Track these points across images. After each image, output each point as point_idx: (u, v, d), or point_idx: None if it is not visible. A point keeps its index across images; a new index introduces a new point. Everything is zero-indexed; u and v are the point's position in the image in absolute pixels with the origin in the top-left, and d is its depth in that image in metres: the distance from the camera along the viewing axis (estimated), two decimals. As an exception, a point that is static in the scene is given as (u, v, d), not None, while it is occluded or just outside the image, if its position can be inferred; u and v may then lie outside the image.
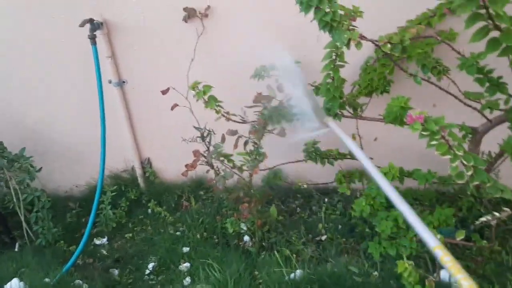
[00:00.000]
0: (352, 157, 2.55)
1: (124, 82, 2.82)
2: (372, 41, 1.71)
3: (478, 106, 1.99)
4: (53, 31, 2.68)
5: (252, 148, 2.15)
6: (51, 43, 2.73)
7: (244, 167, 2.19)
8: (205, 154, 2.37)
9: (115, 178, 3.19)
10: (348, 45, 1.64)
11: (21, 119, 3.07)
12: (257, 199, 2.38)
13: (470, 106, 1.99)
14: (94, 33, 2.49)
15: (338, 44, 1.68)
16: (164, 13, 2.53)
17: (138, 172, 3.16)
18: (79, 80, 2.85)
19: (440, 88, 2.00)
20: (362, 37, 1.63)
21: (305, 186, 2.84)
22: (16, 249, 2.87)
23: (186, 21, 2.48)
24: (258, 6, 2.44)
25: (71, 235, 2.97)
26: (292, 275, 2.34)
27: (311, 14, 1.70)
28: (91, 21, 2.45)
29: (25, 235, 2.87)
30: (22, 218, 2.81)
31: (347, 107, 2.21)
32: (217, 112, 2.21)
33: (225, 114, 2.23)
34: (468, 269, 2.29)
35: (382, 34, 1.83)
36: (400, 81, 2.39)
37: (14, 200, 2.76)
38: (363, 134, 2.57)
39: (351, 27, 1.65)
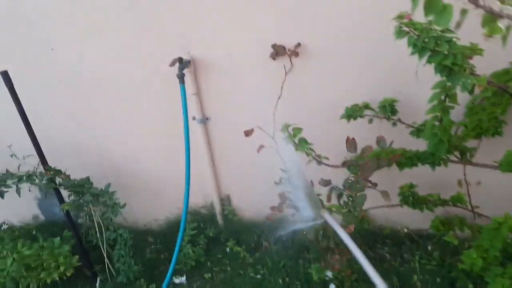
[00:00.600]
0: (454, 204, 2.31)
1: (207, 118, 2.78)
2: (501, 86, 1.50)
3: None
4: (142, 69, 2.71)
5: (347, 200, 1.97)
6: (139, 81, 2.77)
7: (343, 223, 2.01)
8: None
9: (193, 214, 3.15)
10: (472, 91, 1.45)
11: (106, 154, 3.13)
12: (348, 249, 2.19)
13: None
14: (183, 71, 2.47)
15: (460, 89, 1.49)
16: (251, 50, 2.47)
17: (217, 208, 3.09)
18: (163, 116, 2.85)
19: None
20: (490, 82, 1.44)
21: (405, 230, 2.60)
22: (97, 284, 2.88)
23: (274, 59, 2.40)
24: (353, 43, 2.30)
25: (151, 272, 2.94)
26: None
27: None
28: (180, 60, 2.44)
29: (107, 270, 2.87)
30: (105, 254, 2.82)
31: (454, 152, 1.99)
32: (308, 155, 2.08)
33: (316, 157, 2.09)
34: None
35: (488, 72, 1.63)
36: (514, 122, 2.14)
37: (98, 235, 2.79)
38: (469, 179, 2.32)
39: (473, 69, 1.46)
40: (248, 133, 2.26)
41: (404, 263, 2.62)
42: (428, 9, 1.25)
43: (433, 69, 2.11)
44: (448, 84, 1.67)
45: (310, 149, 2.09)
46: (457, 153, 2.08)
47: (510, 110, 2.10)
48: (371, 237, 2.77)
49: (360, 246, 2.61)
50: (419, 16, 1.43)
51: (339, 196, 1.96)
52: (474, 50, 1.52)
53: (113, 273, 2.88)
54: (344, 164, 1.95)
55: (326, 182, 1.96)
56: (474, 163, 1.99)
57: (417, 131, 2.19)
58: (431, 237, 2.67)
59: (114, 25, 2.60)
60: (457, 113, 2.23)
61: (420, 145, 2.21)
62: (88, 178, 2.79)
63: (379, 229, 2.77)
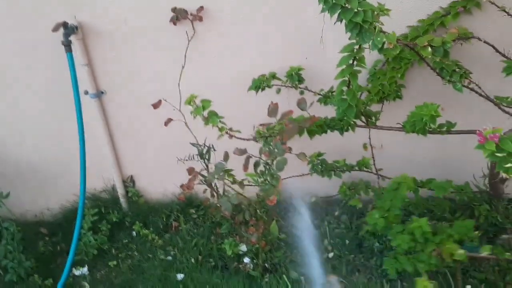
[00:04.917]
0: (360, 168, 2.38)
1: (102, 92, 2.51)
2: (408, 44, 1.52)
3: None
4: (21, 35, 2.34)
5: (264, 169, 1.90)
6: (16, 49, 2.39)
7: (259, 193, 1.93)
8: (203, 173, 2.12)
9: (93, 200, 2.87)
10: (381, 49, 1.45)
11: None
12: (265, 221, 2.15)
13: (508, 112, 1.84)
14: (69, 38, 2.17)
15: (370, 48, 1.48)
16: (148, 14, 2.25)
17: (120, 191, 2.85)
18: (50, 92, 2.51)
19: (481, 95, 1.84)
20: (398, 40, 1.44)
21: (313, 199, 2.64)
22: (-19, 288, 2.51)
23: (175, 24, 2.21)
24: (258, 7, 2.20)
25: (46, 266, 2.64)
26: (306, 302, 2.14)
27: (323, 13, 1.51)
28: (65, 25, 2.14)
29: (-8, 270, 2.51)
30: (-13, 252, 2.45)
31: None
32: (221, 129, 1.96)
33: (229, 132, 1.98)
34: (487, 281, 2.18)
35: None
36: (412, 86, 2.24)
37: (-23, 231, 2.41)
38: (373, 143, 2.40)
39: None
40: (156, 106, 2.07)
41: (315, 229, 2.66)
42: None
43: (337, 35, 2.13)
44: (356, 46, 1.66)
45: (222, 122, 1.98)
46: (362, 118, 2.12)
47: (408, 74, 2.20)
48: (282, 206, 2.77)
49: (272, 215, 2.62)
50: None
51: (256, 164, 1.88)
52: (382, 10, 1.51)
53: (0, 272, 2.52)
54: (259, 135, 1.87)
55: (241, 151, 1.86)
56: (380, 127, 2.04)
57: (325, 98, 2.19)
58: (339, 202, 2.74)
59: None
60: (360, 80, 2.28)
61: (328, 112, 2.22)
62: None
63: (289, 199, 2.78)
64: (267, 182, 1.82)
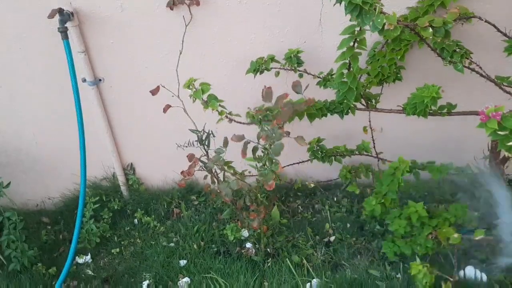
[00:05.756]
0: (360, 152, 2.38)
1: (100, 80, 2.49)
2: (408, 25, 1.50)
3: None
4: (14, 25, 2.31)
5: (262, 154, 1.89)
6: (11, 38, 2.36)
7: (259, 178, 1.93)
8: (203, 159, 2.11)
9: (94, 188, 2.86)
10: (382, 30, 1.43)
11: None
12: (265, 206, 2.15)
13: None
14: (65, 25, 2.14)
15: (370, 29, 1.46)
16: (145, 0, 2.22)
17: (120, 179, 2.84)
18: (47, 80, 2.49)
19: (482, 75, 1.82)
20: (398, 21, 1.42)
21: (312, 185, 2.64)
22: (-15, 277, 2.51)
23: (172, 9, 2.18)
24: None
25: (49, 255, 2.65)
26: (308, 285, 2.16)
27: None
28: (60, 11, 2.10)
29: (-5, 260, 2.52)
30: (-10, 242, 2.45)
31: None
32: (220, 113, 1.95)
33: (228, 116, 1.97)
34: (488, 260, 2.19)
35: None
36: (412, 68, 2.23)
37: (-22, 221, 2.40)
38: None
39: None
40: (154, 92, 2.06)
41: (316, 213, 2.67)
42: None
43: (335, 17, 2.11)
44: (357, 28, 1.64)
45: (221, 106, 1.96)
46: (362, 101, 2.11)
47: (408, 55, 2.18)
48: (283, 191, 2.77)
49: (272, 200, 2.63)
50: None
51: (254, 149, 1.88)
52: (381, -10, 1.49)
53: (3, 261, 2.53)
54: (250, 117, 1.85)
55: (239, 137, 1.86)
56: (380, 109, 2.03)
57: (324, 81, 2.18)
58: (339, 185, 2.75)
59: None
60: (360, 62, 2.26)
61: (328, 95, 2.21)
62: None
63: (290, 183, 2.78)
64: (266, 167, 1.82)
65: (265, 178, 1.79)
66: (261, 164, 1.88)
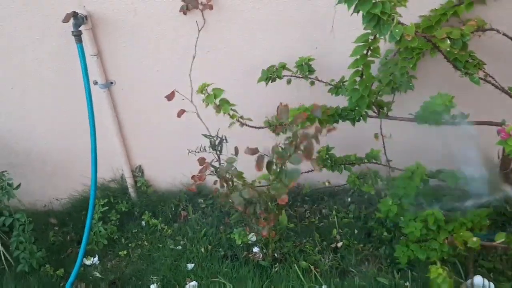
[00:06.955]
0: (369, 161, 2.38)
1: (111, 83, 2.50)
2: (426, 36, 1.51)
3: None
4: (30, 26, 2.32)
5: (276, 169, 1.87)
6: (27, 41, 2.37)
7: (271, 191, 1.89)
8: (214, 164, 2.11)
9: (102, 189, 2.87)
10: (400, 41, 1.44)
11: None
12: (275, 213, 2.15)
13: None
14: (79, 29, 2.15)
15: (387, 40, 1.47)
16: (158, 4, 2.23)
17: (129, 181, 2.85)
18: (60, 83, 2.50)
19: (496, 87, 1.82)
20: (416, 32, 1.43)
21: (327, 184, 2.64)
22: (-8, 277, 2.52)
23: (185, 13, 2.19)
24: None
25: (57, 257, 2.65)
26: (317, 292, 2.16)
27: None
28: (75, 15, 2.12)
29: (3, 260, 2.52)
30: (-1, 242, 2.46)
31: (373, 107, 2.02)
32: (232, 117, 1.95)
33: (240, 120, 1.98)
34: (495, 270, 2.20)
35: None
36: (424, 77, 2.24)
37: (-12, 221, 2.41)
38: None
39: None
40: (170, 98, 2.05)
41: (323, 218, 2.68)
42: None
43: (347, 25, 2.11)
44: (371, 37, 1.65)
45: (233, 110, 1.97)
46: (374, 109, 2.12)
47: (420, 64, 2.19)
48: (290, 196, 2.78)
49: (282, 207, 2.62)
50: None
51: (269, 165, 1.84)
52: (399, 0, 1.50)
53: (11, 262, 2.53)
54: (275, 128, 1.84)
55: (253, 151, 1.81)
56: (391, 117, 2.04)
57: (336, 89, 2.19)
58: (347, 191, 2.75)
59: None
60: (371, 70, 2.27)
61: (338, 102, 2.21)
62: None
63: (298, 188, 2.79)
64: (279, 180, 1.80)
65: (277, 192, 1.78)
66: (274, 177, 1.86)
